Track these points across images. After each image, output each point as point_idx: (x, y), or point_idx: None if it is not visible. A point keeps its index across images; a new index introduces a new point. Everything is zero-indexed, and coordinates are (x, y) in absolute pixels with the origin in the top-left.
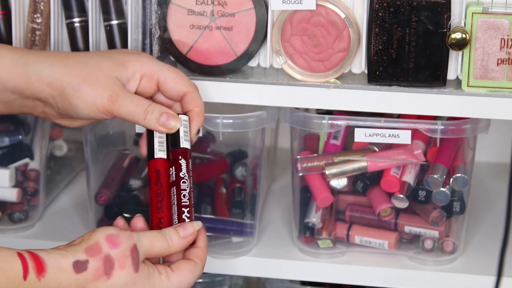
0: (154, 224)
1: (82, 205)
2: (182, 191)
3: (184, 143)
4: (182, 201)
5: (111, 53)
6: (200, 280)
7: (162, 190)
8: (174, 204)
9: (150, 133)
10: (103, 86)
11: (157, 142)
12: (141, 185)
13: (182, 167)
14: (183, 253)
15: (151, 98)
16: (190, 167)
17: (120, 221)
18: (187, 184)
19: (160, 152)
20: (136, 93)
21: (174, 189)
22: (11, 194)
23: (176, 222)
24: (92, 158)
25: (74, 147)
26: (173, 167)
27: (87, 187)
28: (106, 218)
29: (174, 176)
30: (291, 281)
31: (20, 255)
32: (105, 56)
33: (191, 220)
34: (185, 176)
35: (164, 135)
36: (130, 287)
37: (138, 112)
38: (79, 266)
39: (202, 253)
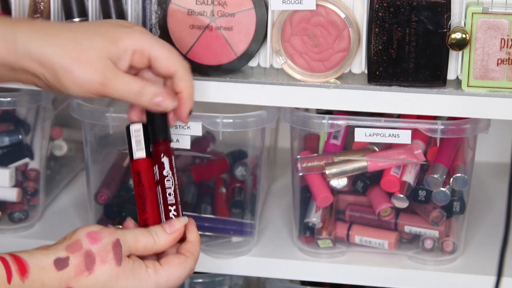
0: (141, 226)
1: (82, 204)
2: (167, 189)
3: (161, 135)
4: (168, 199)
5: (103, 27)
6: (200, 280)
7: (144, 191)
8: (160, 203)
9: (127, 133)
10: (94, 69)
11: (134, 142)
12: None
13: (164, 165)
14: (175, 249)
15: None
16: (174, 163)
17: (130, 222)
18: (171, 182)
19: (139, 152)
20: (128, 69)
21: (159, 188)
22: (11, 194)
23: (164, 221)
24: (92, 158)
25: (74, 147)
26: (156, 165)
27: (87, 186)
28: (106, 218)
29: (158, 175)
30: (291, 281)
31: (2, 259)
32: (97, 32)
33: (178, 217)
34: (169, 174)
35: (141, 133)
36: (113, 281)
37: (130, 95)
38: (60, 263)
39: (194, 247)
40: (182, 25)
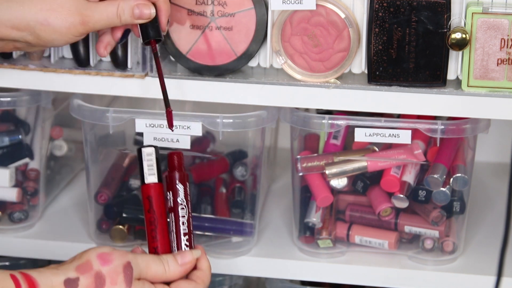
0: (150, 253)
1: (82, 204)
2: (180, 218)
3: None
4: (181, 228)
5: None
6: None
7: (155, 218)
8: (172, 231)
9: (139, 156)
10: (70, 12)
11: (146, 166)
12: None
13: (179, 192)
14: (185, 276)
15: None
16: (189, 191)
17: (138, 249)
18: (185, 210)
19: (151, 176)
20: None
21: (172, 216)
22: (11, 194)
23: (175, 251)
24: (92, 158)
25: (74, 147)
26: (170, 192)
27: (87, 186)
28: (106, 218)
29: (171, 201)
30: (291, 281)
31: (13, 276)
32: None
33: (191, 248)
34: (183, 202)
35: (154, 157)
36: None
37: (111, 21)
38: (70, 284)
39: (204, 275)
40: (182, 25)
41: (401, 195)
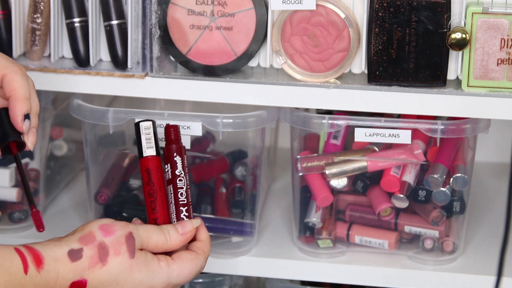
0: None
1: (82, 204)
2: (179, 190)
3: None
4: (180, 199)
5: None
6: (200, 280)
7: (154, 190)
8: (171, 203)
9: (137, 130)
10: None
11: (144, 139)
12: (141, 184)
13: (177, 164)
14: (185, 247)
15: None
16: (186, 163)
17: (137, 221)
18: (183, 181)
19: (149, 150)
20: None
21: (170, 187)
22: (11, 194)
23: (175, 221)
24: (92, 158)
25: (74, 147)
26: (168, 164)
27: (87, 186)
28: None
29: (170, 173)
30: (291, 281)
31: (17, 250)
32: None
33: (189, 218)
34: (181, 173)
35: (151, 130)
36: (126, 273)
37: None
38: (74, 255)
39: (204, 245)
40: (182, 25)
41: (401, 195)
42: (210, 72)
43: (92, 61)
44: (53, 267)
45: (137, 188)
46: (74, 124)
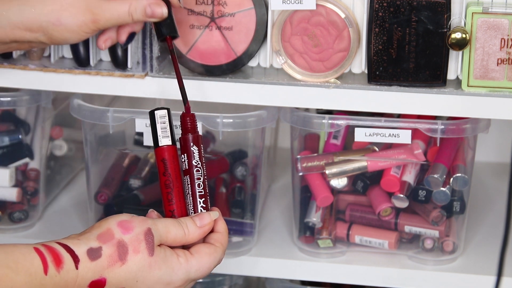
0: (167, 216)
1: (82, 204)
2: (196, 180)
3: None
4: (197, 190)
5: None
6: (200, 280)
7: (171, 180)
8: (188, 194)
9: (152, 120)
10: (81, 11)
11: (160, 128)
12: (141, 184)
13: (194, 154)
14: (202, 241)
15: None
16: (203, 152)
17: (153, 213)
18: (200, 172)
19: (165, 139)
20: None
21: (187, 178)
22: (11, 194)
23: (192, 213)
24: (92, 157)
25: (74, 146)
26: (185, 154)
27: (87, 186)
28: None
29: (186, 164)
30: (291, 281)
31: (37, 250)
32: None
33: (207, 210)
34: (198, 163)
35: (167, 119)
36: (146, 271)
37: (122, 19)
38: (93, 254)
39: (222, 237)
40: (182, 25)
41: (401, 195)
42: (210, 72)
43: (92, 61)
44: (73, 267)
45: (137, 188)
46: (74, 124)
